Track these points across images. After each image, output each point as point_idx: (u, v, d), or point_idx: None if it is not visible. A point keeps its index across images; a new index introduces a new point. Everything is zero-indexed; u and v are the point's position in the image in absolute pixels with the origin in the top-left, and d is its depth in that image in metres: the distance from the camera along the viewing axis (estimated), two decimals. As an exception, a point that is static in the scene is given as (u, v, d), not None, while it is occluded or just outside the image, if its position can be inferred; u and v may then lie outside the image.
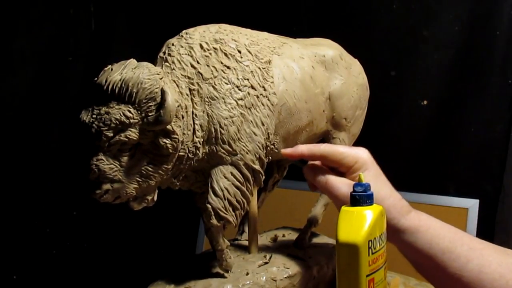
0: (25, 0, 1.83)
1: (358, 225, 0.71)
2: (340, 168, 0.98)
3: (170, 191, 1.14)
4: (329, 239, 1.36)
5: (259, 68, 1.12)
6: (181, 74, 1.06)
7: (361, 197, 0.75)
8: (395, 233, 0.87)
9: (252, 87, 1.09)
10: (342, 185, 0.92)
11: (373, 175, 0.94)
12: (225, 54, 1.09)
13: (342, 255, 0.71)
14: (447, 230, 0.88)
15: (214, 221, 1.07)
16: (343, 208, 0.76)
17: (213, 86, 1.06)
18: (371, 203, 0.75)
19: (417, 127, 1.91)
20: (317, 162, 1.05)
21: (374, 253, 0.71)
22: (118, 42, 2.02)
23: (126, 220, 1.91)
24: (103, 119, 0.96)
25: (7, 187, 1.86)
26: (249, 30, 1.19)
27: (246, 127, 1.08)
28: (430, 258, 0.85)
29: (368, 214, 0.73)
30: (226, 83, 1.07)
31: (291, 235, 1.35)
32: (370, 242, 0.71)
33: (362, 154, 0.98)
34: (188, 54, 1.07)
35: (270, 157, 1.15)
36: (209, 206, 1.07)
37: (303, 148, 1.02)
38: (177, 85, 1.05)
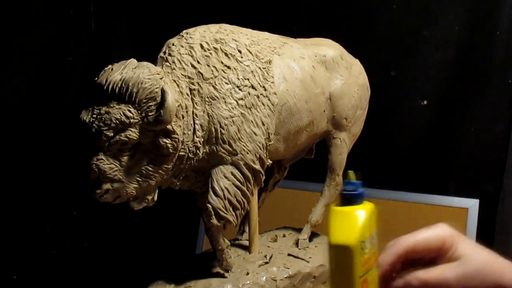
0: (25, 0, 1.83)
1: (350, 226, 0.69)
2: (428, 256, 0.80)
3: (170, 191, 1.14)
4: (329, 239, 1.36)
5: (260, 68, 1.12)
6: (182, 74, 1.06)
7: (352, 196, 0.72)
8: None
9: (253, 87, 1.09)
10: (445, 270, 0.76)
11: (471, 246, 0.80)
12: (226, 54, 1.09)
13: (335, 257, 0.69)
14: None
15: (214, 221, 1.07)
16: (334, 208, 0.73)
17: (213, 86, 1.06)
18: (362, 202, 0.73)
19: (417, 127, 1.91)
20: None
21: (366, 253, 0.69)
22: (118, 42, 2.02)
23: (126, 220, 1.91)
24: (103, 119, 0.96)
25: (7, 187, 1.86)
26: (249, 30, 1.19)
27: (246, 127, 1.08)
28: None
29: (359, 214, 0.70)
30: (226, 83, 1.07)
31: (291, 235, 1.35)
32: (362, 243, 0.69)
33: (445, 230, 0.81)
34: (189, 54, 1.07)
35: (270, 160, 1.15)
36: (209, 206, 1.07)
37: (387, 258, 0.78)
38: (178, 85, 1.05)
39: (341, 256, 0.68)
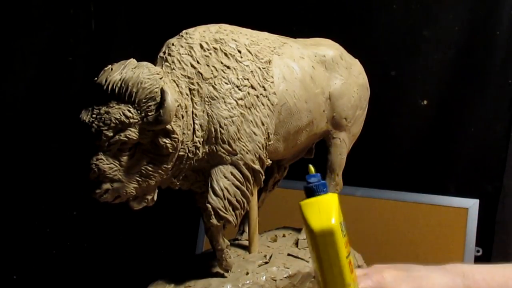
0: (25, 0, 1.84)
1: (325, 211, 0.72)
2: None
3: (170, 191, 1.14)
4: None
5: (259, 68, 1.12)
6: (181, 74, 1.06)
7: (318, 186, 0.75)
8: None
9: (252, 87, 1.09)
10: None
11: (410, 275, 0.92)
12: (225, 54, 1.09)
13: (320, 244, 0.71)
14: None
15: (214, 220, 1.07)
16: (302, 202, 0.76)
17: (213, 86, 1.06)
18: (326, 191, 0.76)
19: (417, 127, 1.91)
20: None
21: (345, 235, 0.73)
22: (118, 42, 2.02)
23: (126, 220, 1.91)
24: (103, 118, 0.96)
25: (7, 187, 1.86)
26: (249, 30, 1.19)
27: (246, 127, 1.08)
28: None
29: (329, 200, 0.74)
30: (226, 83, 1.07)
31: (291, 235, 1.35)
32: (340, 225, 0.72)
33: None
34: (188, 54, 1.07)
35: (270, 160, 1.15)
36: (209, 205, 1.07)
37: None
38: (177, 85, 1.05)
39: (326, 241, 0.71)
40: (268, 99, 1.11)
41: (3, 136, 1.85)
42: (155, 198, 1.07)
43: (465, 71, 1.85)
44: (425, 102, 1.91)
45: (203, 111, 1.05)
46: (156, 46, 1.13)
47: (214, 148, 1.07)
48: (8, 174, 1.87)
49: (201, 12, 2.01)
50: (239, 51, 1.10)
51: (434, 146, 1.90)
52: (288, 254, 1.22)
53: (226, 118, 1.06)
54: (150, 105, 0.97)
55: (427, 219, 1.83)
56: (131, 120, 0.96)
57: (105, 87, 0.97)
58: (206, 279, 1.11)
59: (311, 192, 0.76)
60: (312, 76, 1.20)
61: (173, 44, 1.09)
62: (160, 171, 1.02)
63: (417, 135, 1.92)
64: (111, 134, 0.96)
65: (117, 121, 0.95)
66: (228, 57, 1.09)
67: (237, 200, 1.09)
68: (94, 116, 0.96)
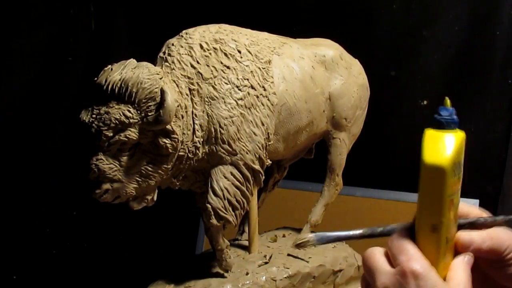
0: (25, 0, 1.84)
1: (443, 148, 0.73)
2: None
3: (170, 191, 1.14)
4: (329, 239, 1.36)
5: (259, 68, 1.12)
6: (181, 74, 1.06)
7: (447, 121, 0.75)
8: None
9: (252, 87, 1.09)
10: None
11: None
12: (225, 54, 1.09)
13: (427, 176, 0.73)
14: None
15: (214, 221, 1.07)
16: (428, 130, 0.77)
17: (213, 86, 1.06)
18: (455, 128, 0.76)
19: (417, 127, 1.91)
20: None
21: (456, 175, 0.73)
22: (118, 42, 2.02)
23: (126, 220, 1.91)
24: (103, 118, 0.96)
25: (7, 187, 1.86)
26: (249, 30, 1.19)
27: (246, 127, 1.08)
28: None
29: (453, 138, 0.74)
30: (226, 83, 1.07)
31: (291, 235, 1.35)
32: (454, 165, 0.73)
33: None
34: (188, 54, 1.07)
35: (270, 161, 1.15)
36: (209, 206, 1.07)
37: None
38: (177, 85, 1.05)
39: (433, 175, 0.72)
40: (268, 99, 1.11)
41: (3, 136, 1.85)
42: (155, 198, 1.07)
43: (465, 71, 1.85)
44: (425, 102, 1.91)
45: (203, 111, 1.05)
46: (156, 46, 1.13)
47: (214, 148, 1.07)
48: (8, 174, 1.87)
49: (201, 12, 2.01)
50: (239, 51, 1.11)
51: (434, 146, 1.90)
52: (288, 254, 1.22)
53: (226, 118, 1.06)
54: (150, 105, 0.97)
55: (427, 219, 1.82)
56: (131, 120, 0.96)
57: (105, 87, 0.97)
58: (206, 279, 1.12)
59: (439, 125, 0.76)
60: (312, 76, 1.20)
61: (173, 44, 1.09)
62: (160, 171, 1.02)
63: (417, 135, 1.91)
64: (111, 134, 0.96)
65: (117, 121, 0.95)
66: (228, 57, 1.09)
67: (237, 200, 1.09)
68: (94, 116, 0.97)
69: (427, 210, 0.75)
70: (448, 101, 0.77)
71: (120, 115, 0.96)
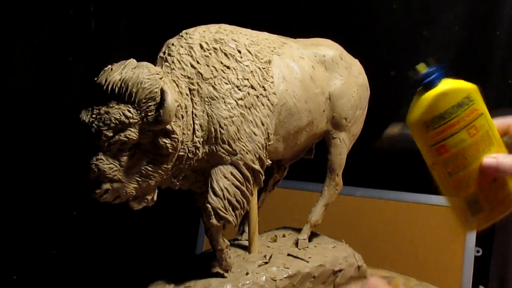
0: (25, 0, 1.84)
1: (418, 106, 0.83)
2: None
3: (170, 191, 1.14)
4: (329, 239, 1.36)
5: (259, 68, 1.12)
6: (181, 74, 1.06)
7: (428, 82, 0.84)
8: None
9: (252, 87, 1.09)
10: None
11: None
12: (225, 54, 1.09)
13: (412, 133, 0.86)
14: None
15: (214, 220, 1.07)
16: (417, 94, 0.85)
17: (213, 86, 1.06)
18: (437, 84, 0.85)
19: (417, 127, 1.91)
20: None
21: (436, 127, 0.82)
22: (118, 42, 2.03)
23: (126, 220, 1.91)
24: (103, 118, 0.96)
25: (7, 187, 1.86)
26: (249, 30, 1.19)
27: (246, 127, 1.08)
28: None
29: (429, 95, 0.83)
30: (226, 83, 1.07)
31: (291, 235, 1.35)
32: (430, 119, 0.82)
33: None
34: (188, 54, 1.07)
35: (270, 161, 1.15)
36: (209, 206, 1.07)
37: None
38: (177, 85, 1.05)
39: (412, 132, 0.86)
40: (268, 99, 1.11)
41: (3, 136, 1.85)
42: (155, 198, 1.07)
43: (465, 71, 1.85)
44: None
45: (203, 111, 1.05)
46: (156, 46, 1.13)
47: (214, 148, 1.07)
48: (8, 174, 1.87)
49: (201, 12, 2.01)
50: (239, 51, 1.11)
51: (434, 146, 1.90)
52: (288, 254, 1.22)
53: (226, 118, 1.06)
54: (150, 105, 0.97)
55: (427, 219, 1.83)
56: (131, 120, 0.96)
57: (105, 87, 0.97)
58: (206, 279, 1.11)
59: (426, 88, 0.84)
60: (312, 76, 1.20)
61: (173, 44, 1.09)
62: (160, 171, 1.02)
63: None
64: (111, 134, 0.96)
65: (117, 121, 0.95)
66: (228, 57, 1.09)
67: (237, 200, 1.09)
68: (94, 116, 0.97)
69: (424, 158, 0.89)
70: (421, 66, 0.86)
71: (120, 115, 0.96)
